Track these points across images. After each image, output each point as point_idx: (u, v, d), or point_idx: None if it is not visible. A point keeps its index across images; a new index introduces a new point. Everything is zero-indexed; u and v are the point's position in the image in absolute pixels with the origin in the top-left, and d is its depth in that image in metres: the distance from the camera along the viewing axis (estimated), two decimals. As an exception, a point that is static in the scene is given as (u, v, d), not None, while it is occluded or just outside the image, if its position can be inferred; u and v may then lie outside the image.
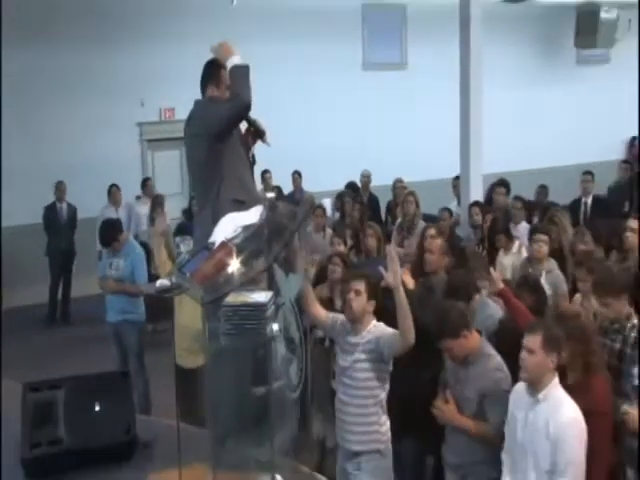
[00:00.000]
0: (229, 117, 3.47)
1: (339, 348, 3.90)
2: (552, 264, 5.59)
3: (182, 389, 4.50)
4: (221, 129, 3.45)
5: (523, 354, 3.32)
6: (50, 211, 9.67)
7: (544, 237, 5.65)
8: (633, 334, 3.93)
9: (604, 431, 3.45)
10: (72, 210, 9.76)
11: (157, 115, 11.21)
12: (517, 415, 3.39)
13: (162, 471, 2.76)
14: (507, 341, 3.81)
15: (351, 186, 10.20)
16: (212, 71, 3.62)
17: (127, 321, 6.07)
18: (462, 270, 4.93)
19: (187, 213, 9.36)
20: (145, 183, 10.29)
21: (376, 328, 3.79)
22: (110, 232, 6.21)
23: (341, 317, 3.94)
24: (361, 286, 3.77)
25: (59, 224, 9.66)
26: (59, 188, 9.65)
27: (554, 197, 9.32)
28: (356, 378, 3.75)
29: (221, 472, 2.37)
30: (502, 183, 8.30)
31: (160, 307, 8.22)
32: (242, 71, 3.45)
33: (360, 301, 3.76)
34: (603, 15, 13.47)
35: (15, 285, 9.75)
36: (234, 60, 3.48)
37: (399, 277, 3.58)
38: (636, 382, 3.71)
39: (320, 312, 3.98)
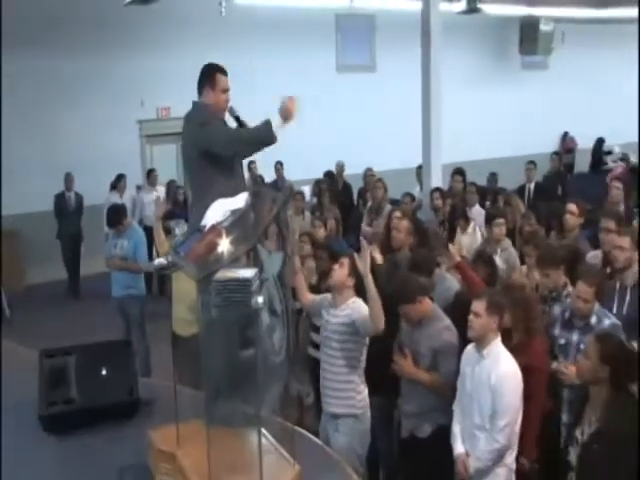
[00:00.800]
0: (231, 151, 3.35)
1: (322, 322, 3.89)
2: (507, 243, 5.65)
3: (179, 355, 4.50)
4: (219, 156, 3.33)
5: (471, 317, 3.38)
6: (60, 199, 9.58)
7: (502, 220, 5.72)
8: (568, 300, 3.99)
9: (540, 383, 3.52)
10: (79, 198, 9.67)
11: (155, 113, 11.10)
12: (466, 370, 3.45)
13: (161, 427, 2.74)
14: (462, 310, 3.83)
15: (328, 174, 10.18)
16: (209, 74, 3.46)
17: (130, 295, 6.03)
18: (424, 248, 4.94)
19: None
20: (150, 174, 10.16)
21: (354, 304, 3.74)
22: (116, 216, 6.17)
23: (328, 297, 3.93)
24: (345, 261, 3.76)
25: (68, 211, 9.56)
26: (67, 179, 9.55)
27: (503, 183, 9.39)
28: (335, 348, 3.73)
29: (214, 427, 2.36)
30: (459, 172, 8.31)
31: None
32: (267, 130, 3.24)
33: (341, 272, 3.75)
34: (542, 27, 13.71)
35: (31, 265, 9.70)
36: (277, 121, 3.30)
37: (368, 267, 3.50)
38: (562, 342, 3.77)
39: (309, 299, 4.02)
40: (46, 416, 3.05)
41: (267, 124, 3.22)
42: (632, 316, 3.96)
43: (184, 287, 4.08)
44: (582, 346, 3.53)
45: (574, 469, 3.01)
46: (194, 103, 3.53)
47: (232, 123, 3.57)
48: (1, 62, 9.19)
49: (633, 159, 15.37)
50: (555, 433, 3.71)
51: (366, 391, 3.78)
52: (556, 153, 11.34)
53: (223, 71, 3.46)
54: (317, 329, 4.16)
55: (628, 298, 4.13)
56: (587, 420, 2.99)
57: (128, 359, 3.29)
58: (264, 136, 3.24)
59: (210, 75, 3.45)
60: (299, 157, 10.69)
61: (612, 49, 15.18)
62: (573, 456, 3.03)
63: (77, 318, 8.13)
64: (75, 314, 8.51)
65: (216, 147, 3.28)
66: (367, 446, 3.80)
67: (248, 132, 3.30)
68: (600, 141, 15.66)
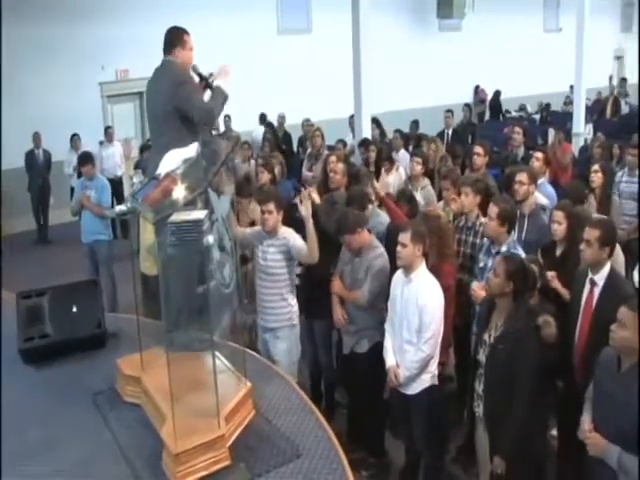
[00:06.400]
0: (201, 119, 3.14)
1: (259, 251, 3.81)
2: (426, 182, 5.63)
3: (145, 291, 4.36)
4: (186, 116, 3.12)
5: (398, 248, 3.33)
6: (30, 156, 9.17)
7: (418, 159, 5.69)
8: (481, 229, 4.02)
9: (449, 299, 3.55)
10: (47, 155, 9.26)
11: (114, 75, 10.58)
12: (396, 293, 3.42)
13: (127, 355, 2.67)
14: (392, 239, 3.80)
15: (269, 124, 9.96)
16: (179, 36, 3.26)
17: (98, 240, 5.80)
18: (357, 187, 4.85)
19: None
20: (106, 130, 9.80)
21: (288, 233, 3.71)
22: (86, 160, 5.97)
23: (257, 229, 3.86)
24: (271, 206, 3.67)
25: (37, 166, 9.14)
26: (35, 137, 9.12)
27: (426, 130, 9.36)
28: (271, 273, 3.70)
29: (173, 352, 2.29)
30: (374, 121, 8.18)
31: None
32: (222, 95, 3.15)
33: (272, 218, 3.69)
34: (456, -5, 13.87)
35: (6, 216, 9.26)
36: (223, 83, 3.19)
37: (310, 212, 3.50)
38: (481, 264, 3.81)
39: (239, 231, 3.86)
40: (24, 350, 2.97)
41: (218, 88, 3.18)
42: (529, 239, 4.05)
43: (150, 230, 3.90)
44: None
45: (483, 366, 3.12)
46: (165, 61, 3.29)
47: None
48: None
49: (530, 109, 15.77)
50: (467, 345, 3.81)
51: (297, 304, 3.80)
52: (467, 105, 11.36)
53: (188, 33, 3.32)
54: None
55: (526, 225, 4.21)
56: (493, 326, 3.10)
57: (95, 297, 3.19)
58: (224, 97, 3.19)
59: (180, 36, 3.28)
60: (245, 109, 10.38)
61: (514, 16, 15.83)
62: (482, 356, 3.13)
63: (48, 262, 7.88)
64: (46, 259, 8.23)
65: (190, 111, 3.12)
66: (299, 353, 3.86)
67: (213, 102, 3.19)
68: (497, 93, 15.79)
